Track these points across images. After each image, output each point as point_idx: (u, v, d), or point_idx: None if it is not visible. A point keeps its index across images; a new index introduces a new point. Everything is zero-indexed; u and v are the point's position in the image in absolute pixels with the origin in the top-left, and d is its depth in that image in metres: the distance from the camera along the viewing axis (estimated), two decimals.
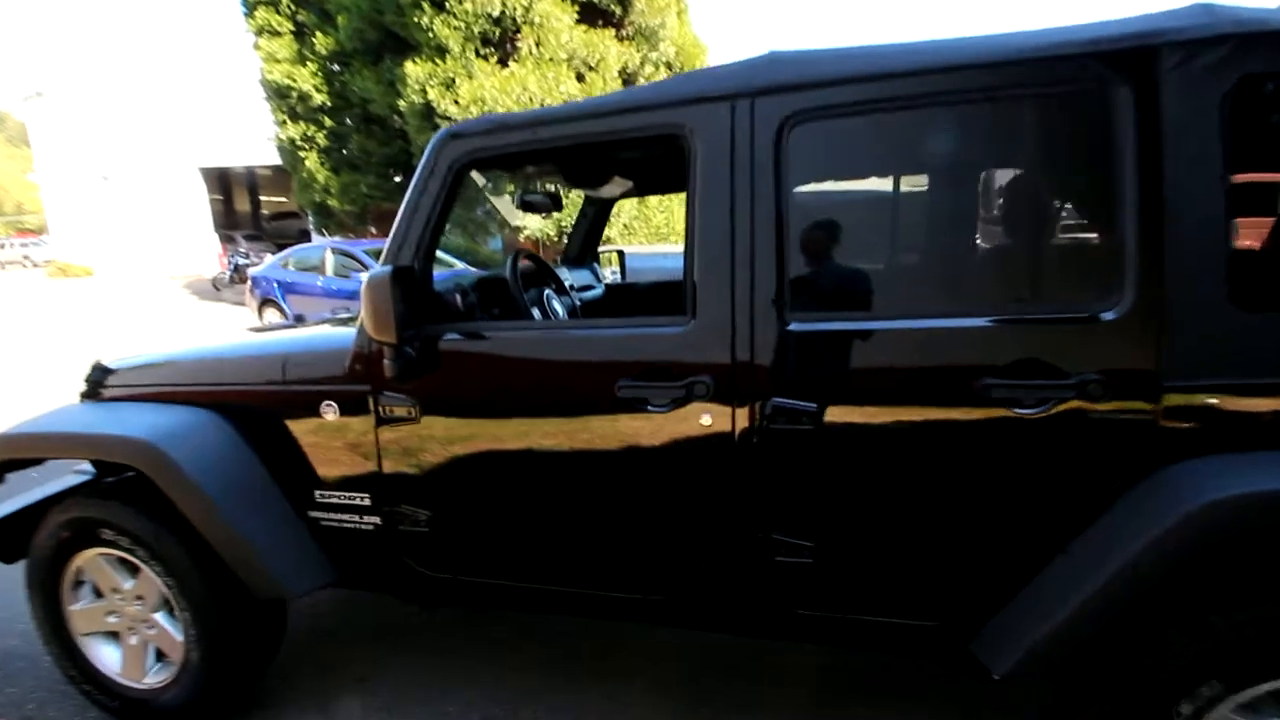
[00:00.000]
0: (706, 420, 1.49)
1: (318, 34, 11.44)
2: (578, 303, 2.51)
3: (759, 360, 1.45)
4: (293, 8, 11.89)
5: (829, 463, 1.45)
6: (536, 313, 2.06)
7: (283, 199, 25.17)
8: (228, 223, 25.72)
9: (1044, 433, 1.30)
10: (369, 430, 1.77)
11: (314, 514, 1.88)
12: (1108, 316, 1.26)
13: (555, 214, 10.94)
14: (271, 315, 9.63)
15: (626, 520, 1.63)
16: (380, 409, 1.74)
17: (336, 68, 11.65)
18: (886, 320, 1.42)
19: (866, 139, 1.45)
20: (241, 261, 15.80)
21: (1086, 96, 1.28)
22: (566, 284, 2.54)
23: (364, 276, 1.54)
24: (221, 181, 26.16)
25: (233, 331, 2.80)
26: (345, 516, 1.85)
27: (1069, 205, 1.38)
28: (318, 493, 1.87)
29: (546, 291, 2.22)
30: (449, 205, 1.68)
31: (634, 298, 3.08)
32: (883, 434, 1.41)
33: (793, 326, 1.43)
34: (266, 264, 10.58)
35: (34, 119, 23.52)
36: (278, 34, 11.98)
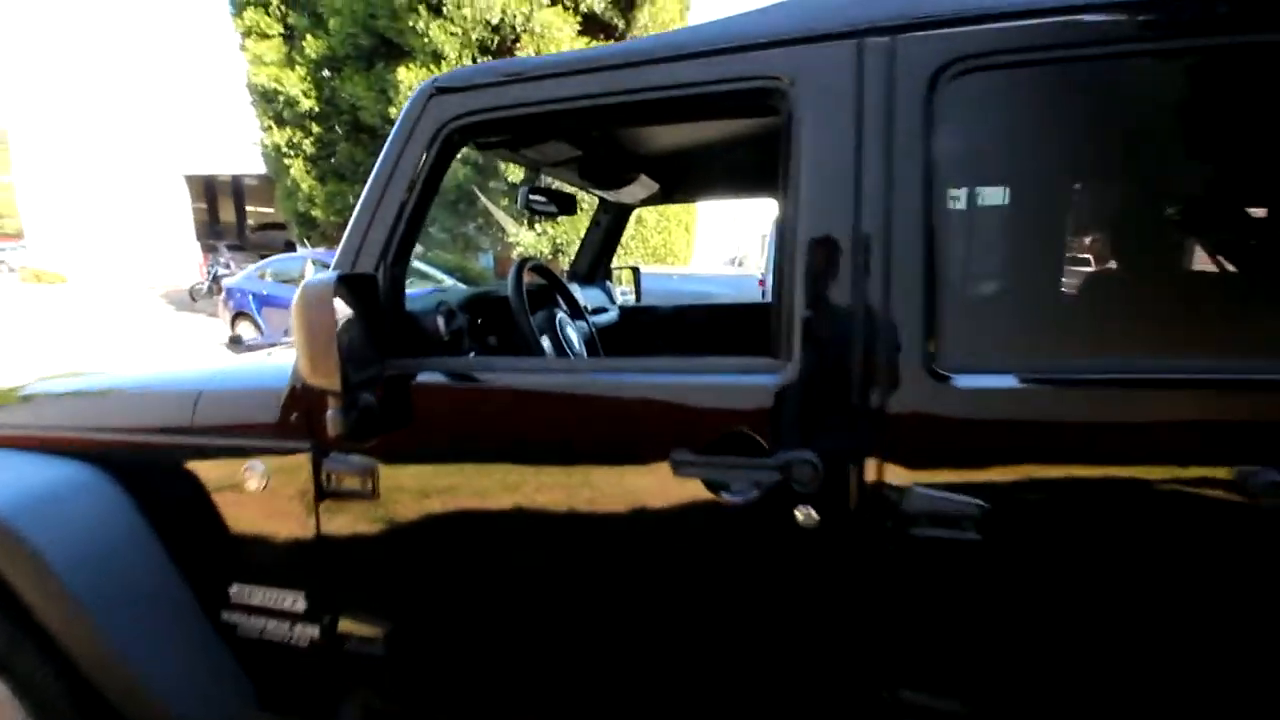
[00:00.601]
0: (808, 517, 0.99)
1: (308, 37, 10.97)
2: (593, 329, 2.00)
3: (896, 430, 0.95)
4: (283, 10, 11.45)
5: (1002, 590, 0.95)
6: (546, 343, 1.55)
7: (270, 209, 24.60)
8: (211, 232, 25.06)
9: None
10: (307, 506, 1.25)
11: (229, 617, 1.35)
12: None
13: (550, 227, 10.41)
14: (245, 328, 9.04)
15: (677, 657, 1.11)
16: (323, 477, 1.22)
17: (327, 73, 11.19)
18: (1096, 372, 0.92)
19: (1075, 100, 0.96)
20: (221, 272, 15.22)
21: None
22: (581, 304, 2.03)
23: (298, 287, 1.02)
24: (207, 190, 25.54)
25: (170, 352, 2.25)
26: (271, 623, 1.32)
27: None
28: (235, 588, 1.33)
29: (559, 315, 1.71)
30: (431, 188, 1.18)
31: (657, 324, 2.57)
32: (1091, 550, 0.91)
33: (956, 381, 0.93)
34: (243, 274, 10.01)
35: (13, 120, 22.86)
36: (266, 36, 11.51)
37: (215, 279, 15.21)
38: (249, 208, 28.12)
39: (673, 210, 14.03)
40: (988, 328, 0.99)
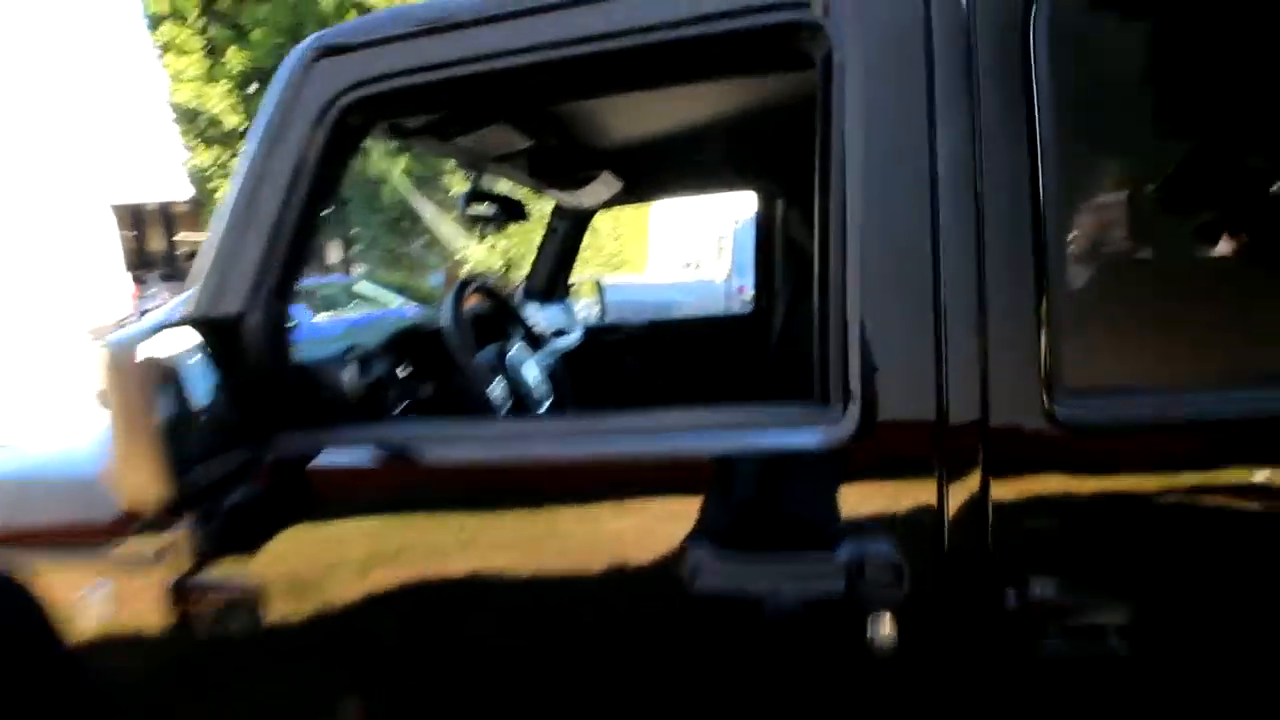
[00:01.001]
0: (884, 632, 0.69)
1: (230, 50, 10.38)
2: (558, 360, 1.66)
3: (1009, 502, 0.66)
4: (203, 22, 10.81)
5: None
6: (498, 388, 1.22)
7: (203, 235, 23.57)
8: (141, 262, 23.84)
9: None
10: (179, 641, 0.89)
11: None
12: None
13: (503, 239, 9.94)
14: None
15: None
16: (184, 603, 0.87)
17: (253, 88, 10.58)
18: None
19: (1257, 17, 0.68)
20: (150, 306, 14.34)
21: None
22: (536, 330, 1.69)
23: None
24: (134, 218, 24.31)
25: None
26: None
27: None
28: None
29: (512, 349, 1.37)
30: (323, 190, 0.85)
31: (628, 344, 2.25)
32: None
33: (1088, 429, 0.64)
34: (168, 306, 9.32)
35: None
36: (186, 52, 10.84)
37: (144, 314, 14.33)
38: (181, 234, 26.90)
39: (626, 215, 13.75)
40: (1134, 353, 0.70)
